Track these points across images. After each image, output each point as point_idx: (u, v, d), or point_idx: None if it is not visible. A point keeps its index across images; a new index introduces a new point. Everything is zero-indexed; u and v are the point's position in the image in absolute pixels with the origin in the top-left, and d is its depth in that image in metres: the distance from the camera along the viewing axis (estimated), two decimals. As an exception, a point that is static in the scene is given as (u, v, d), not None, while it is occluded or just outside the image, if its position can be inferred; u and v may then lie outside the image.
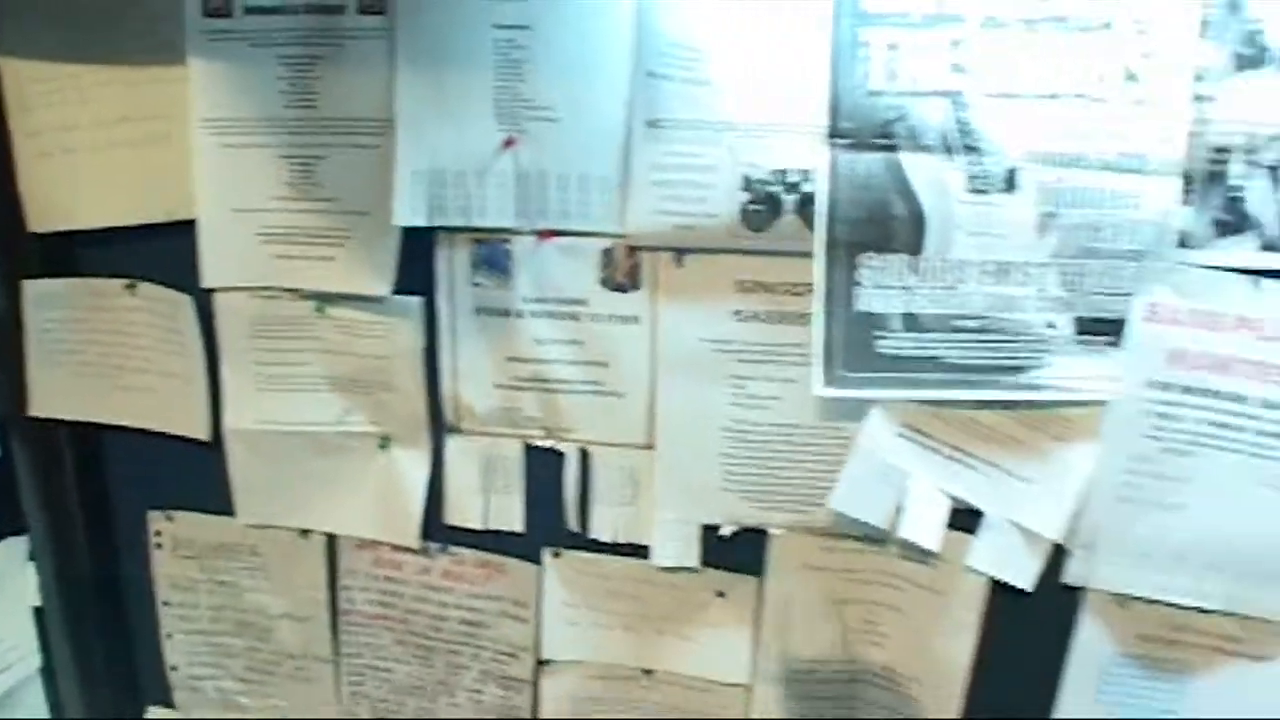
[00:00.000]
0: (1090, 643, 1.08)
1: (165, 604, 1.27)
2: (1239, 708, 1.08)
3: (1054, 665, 1.08)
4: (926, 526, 1.04)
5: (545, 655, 1.15)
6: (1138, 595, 1.05)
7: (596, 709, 1.16)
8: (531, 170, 1.02)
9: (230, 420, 1.16)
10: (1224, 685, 1.08)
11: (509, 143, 1.02)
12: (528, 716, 1.17)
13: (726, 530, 1.08)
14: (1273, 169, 0.99)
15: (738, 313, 1.04)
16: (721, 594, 1.10)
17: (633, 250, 1.03)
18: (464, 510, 1.14)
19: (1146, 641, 1.07)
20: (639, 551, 1.10)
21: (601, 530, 1.10)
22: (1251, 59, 0.97)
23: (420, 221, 1.04)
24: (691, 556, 1.09)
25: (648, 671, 1.14)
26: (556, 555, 1.13)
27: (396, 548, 1.16)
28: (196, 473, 1.18)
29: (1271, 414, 1.00)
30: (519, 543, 1.13)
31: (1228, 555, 1.03)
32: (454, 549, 1.15)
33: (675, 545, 1.09)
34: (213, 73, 1.06)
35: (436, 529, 1.14)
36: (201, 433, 1.16)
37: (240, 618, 1.25)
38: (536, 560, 1.13)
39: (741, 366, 1.04)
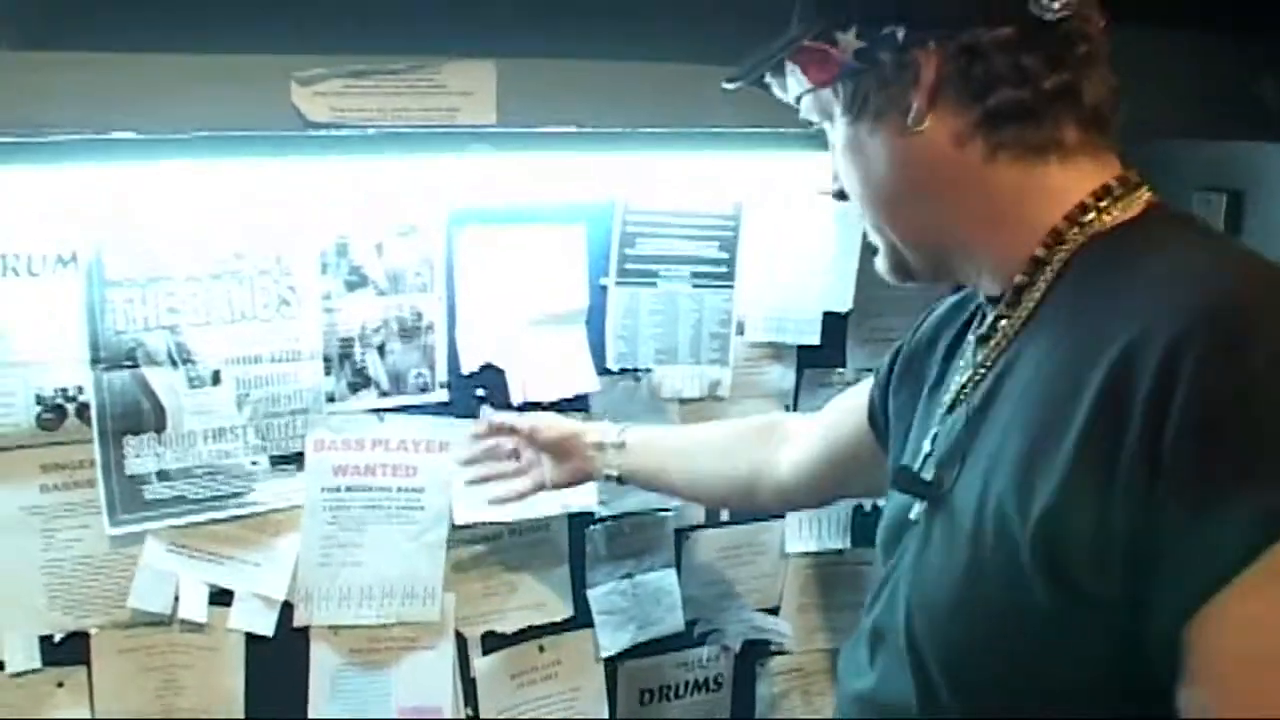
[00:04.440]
0: (321, 660, 1.67)
1: None
2: (428, 682, 1.71)
3: (304, 672, 1.65)
4: (194, 608, 1.58)
5: (-73, 761, 1.55)
6: (344, 624, 1.65)
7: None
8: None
9: None
10: (414, 669, 1.71)
11: None
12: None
13: (57, 637, 1.56)
14: (379, 348, 1.66)
15: (43, 486, 1.53)
16: (61, 684, 1.58)
17: (-40, 454, 1.50)
18: None
19: (356, 653, 1.69)
20: (-2, 666, 1.53)
21: (-40, 657, 1.53)
22: (357, 283, 1.63)
23: None
24: (34, 661, 1.55)
25: (13, 756, 1.58)
26: (-71, 682, 1.54)
27: None
28: None
29: (405, 495, 1.67)
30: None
31: (393, 586, 1.67)
32: None
33: (21, 656, 1.54)
34: None
35: None
36: None
37: None
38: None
39: (51, 522, 1.54)
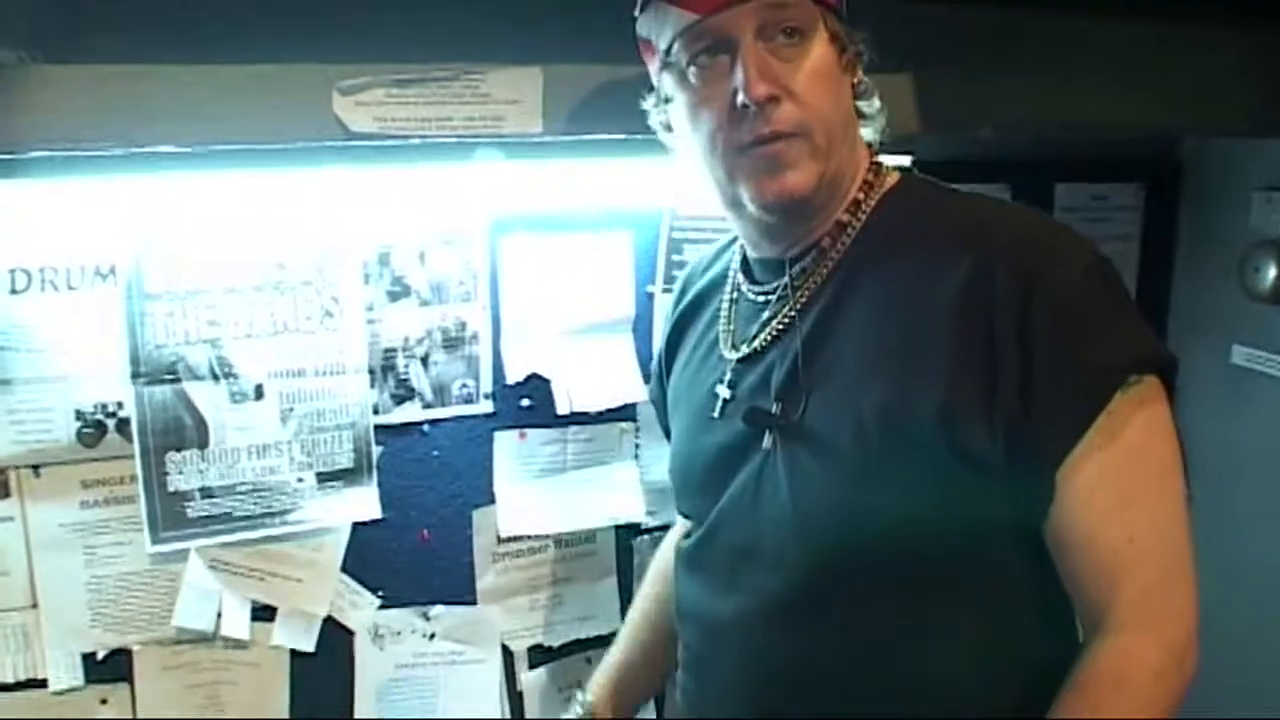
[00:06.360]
0: (366, 674, 1.65)
1: None
2: (475, 697, 1.68)
3: (348, 688, 1.63)
4: (237, 625, 1.56)
5: (-26, 777, 1.54)
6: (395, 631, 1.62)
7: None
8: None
9: None
10: (460, 683, 1.69)
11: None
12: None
13: (100, 654, 1.54)
14: (423, 359, 1.63)
15: (84, 502, 1.51)
16: (104, 701, 1.56)
17: (2, 470, 1.49)
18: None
19: (402, 667, 1.66)
20: (41, 684, 1.51)
21: (4, 674, 1.52)
22: (399, 294, 1.61)
23: None
24: (78, 679, 1.53)
25: (55, 771, 1.56)
26: (-29, 701, 1.52)
27: None
28: None
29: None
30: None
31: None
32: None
33: (65, 673, 1.52)
34: None
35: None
36: None
37: None
38: (-46, 708, 1.52)
39: (92, 539, 1.52)
